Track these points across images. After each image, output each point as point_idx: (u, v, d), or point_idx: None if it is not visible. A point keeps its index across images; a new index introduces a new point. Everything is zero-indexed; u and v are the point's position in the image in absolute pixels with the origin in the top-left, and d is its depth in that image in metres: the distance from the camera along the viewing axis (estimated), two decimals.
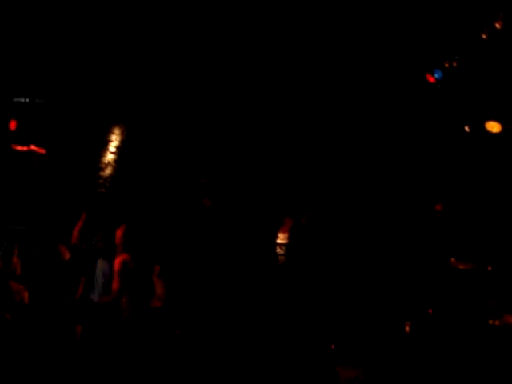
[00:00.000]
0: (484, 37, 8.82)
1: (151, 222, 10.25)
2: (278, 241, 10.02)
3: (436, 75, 9.32)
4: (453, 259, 8.46)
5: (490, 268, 8.20)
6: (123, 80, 10.51)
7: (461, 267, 8.34)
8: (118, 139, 10.80)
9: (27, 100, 10.48)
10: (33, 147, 10.33)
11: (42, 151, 10.37)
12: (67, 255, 8.59)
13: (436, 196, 10.04)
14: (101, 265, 8.25)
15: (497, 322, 7.70)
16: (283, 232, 10.03)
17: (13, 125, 10.28)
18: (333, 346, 7.51)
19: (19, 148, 10.36)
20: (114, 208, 10.49)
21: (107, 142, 10.73)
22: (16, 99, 10.45)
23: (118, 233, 7.16)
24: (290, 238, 9.69)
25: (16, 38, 9.82)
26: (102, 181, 10.65)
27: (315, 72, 10.13)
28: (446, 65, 9.25)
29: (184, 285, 8.15)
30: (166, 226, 10.21)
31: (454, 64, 9.25)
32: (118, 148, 10.77)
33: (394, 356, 7.40)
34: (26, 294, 8.04)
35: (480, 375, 6.83)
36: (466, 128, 9.66)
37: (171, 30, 10.28)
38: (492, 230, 9.29)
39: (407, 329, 7.86)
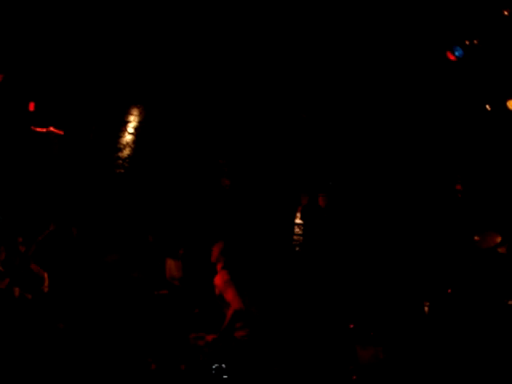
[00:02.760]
0: (506, 13, 8.68)
1: (170, 203, 10.31)
2: (297, 221, 10.03)
3: (457, 53, 9.20)
4: (476, 237, 8.39)
5: (504, 249, 8.12)
6: (141, 60, 10.51)
7: (485, 245, 8.26)
8: (136, 120, 10.80)
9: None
10: (52, 129, 10.39)
11: (61, 133, 10.43)
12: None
13: (456, 175, 9.97)
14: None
15: None
16: (301, 212, 10.03)
17: (32, 106, 10.34)
18: (352, 326, 7.53)
19: (38, 130, 10.43)
20: (133, 189, 10.60)
21: (125, 122, 10.73)
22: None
23: (215, 250, 7.03)
24: (303, 217, 9.68)
25: (32, 18, 9.86)
26: (120, 161, 10.68)
27: (331, 44, 10.06)
28: (467, 42, 9.14)
29: (202, 265, 8.17)
30: (184, 205, 10.26)
31: (475, 41, 9.13)
32: (136, 129, 10.78)
33: (412, 336, 7.40)
34: (46, 275, 8.16)
35: (498, 355, 6.80)
36: (487, 107, 9.55)
37: (189, 11, 10.26)
38: None
39: (426, 309, 7.85)
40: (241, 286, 6.56)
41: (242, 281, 6.72)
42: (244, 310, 6.29)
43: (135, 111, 10.87)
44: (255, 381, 6.16)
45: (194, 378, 6.26)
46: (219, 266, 6.67)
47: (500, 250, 7.95)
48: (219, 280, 6.56)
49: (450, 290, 8.01)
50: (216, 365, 6.14)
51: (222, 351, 6.18)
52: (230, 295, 6.37)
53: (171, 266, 9.33)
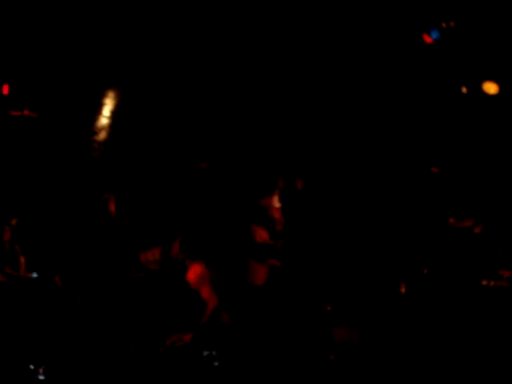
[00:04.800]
0: None
1: (146, 186, 10.26)
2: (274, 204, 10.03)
3: (433, 35, 9.23)
4: (451, 219, 8.48)
5: (479, 229, 8.23)
6: (118, 42, 10.41)
7: (459, 226, 8.36)
8: (113, 103, 10.72)
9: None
10: (26, 112, 10.27)
11: (35, 116, 10.31)
12: None
13: (433, 158, 10.03)
14: None
15: (491, 283, 7.75)
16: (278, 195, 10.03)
17: (5, 89, 10.21)
18: (329, 308, 7.56)
19: (13, 113, 10.30)
20: (109, 172, 10.52)
21: (101, 105, 10.66)
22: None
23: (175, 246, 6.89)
24: (280, 201, 9.69)
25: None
26: (96, 145, 10.60)
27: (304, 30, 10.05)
28: (444, 25, 9.16)
29: (179, 247, 8.15)
30: (161, 189, 10.22)
31: (451, 24, 9.16)
32: (112, 112, 10.69)
33: (389, 317, 7.45)
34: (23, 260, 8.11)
35: (474, 336, 6.88)
36: (463, 89, 9.60)
37: None
38: (487, 190, 9.30)
39: (403, 290, 7.91)
40: (218, 274, 6.46)
41: (217, 268, 6.66)
42: (221, 306, 6.18)
43: (111, 94, 10.78)
44: (241, 367, 6.16)
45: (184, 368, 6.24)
46: (187, 262, 6.49)
47: (475, 230, 8.05)
48: (192, 276, 6.37)
49: (426, 271, 8.10)
50: (207, 352, 6.10)
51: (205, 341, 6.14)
52: (206, 292, 6.22)
53: (146, 252, 9.32)
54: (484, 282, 7.67)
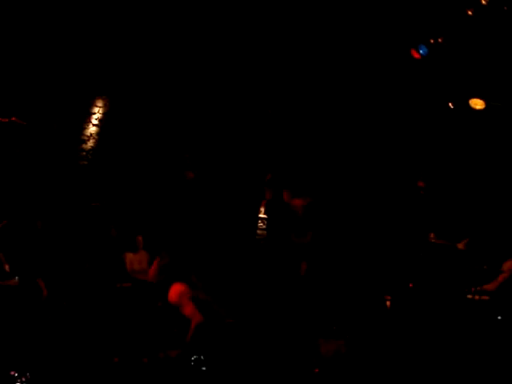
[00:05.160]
0: (470, 13, 8.81)
1: (134, 195, 10.25)
2: (261, 215, 10.04)
3: (421, 51, 9.31)
4: (432, 234, 8.53)
5: (462, 245, 8.29)
6: (106, 52, 10.41)
7: (439, 242, 8.42)
8: (101, 111, 10.70)
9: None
10: (14, 119, 10.23)
11: (24, 123, 10.28)
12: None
13: (418, 173, 10.09)
14: None
15: (476, 297, 7.81)
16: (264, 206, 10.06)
17: None
18: (314, 320, 7.58)
19: (1, 120, 10.26)
20: (97, 180, 10.50)
21: (90, 114, 10.63)
22: None
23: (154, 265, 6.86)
24: (266, 212, 9.72)
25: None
26: (84, 153, 10.57)
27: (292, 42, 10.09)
28: (432, 41, 9.25)
29: (167, 256, 8.15)
30: (148, 198, 10.21)
31: (440, 40, 9.25)
32: (100, 120, 10.67)
33: (374, 329, 7.49)
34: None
35: (459, 347, 6.93)
36: (450, 105, 9.69)
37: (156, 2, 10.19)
38: (474, 205, 9.37)
39: (388, 303, 7.95)
40: (196, 288, 6.44)
41: (204, 277, 6.67)
42: (205, 322, 6.16)
43: (100, 102, 10.77)
44: (229, 372, 6.16)
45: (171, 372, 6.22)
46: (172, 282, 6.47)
47: (459, 246, 8.11)
48: (173, 294, 6.35)
49: (411, 285, 8.14)
50: (195, 356, 6.09)
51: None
52: (189, 310, 6.20)
53: (131, 258, 9.30)
54: (468, 296, 7.74)
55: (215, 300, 6.76)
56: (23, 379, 5.98)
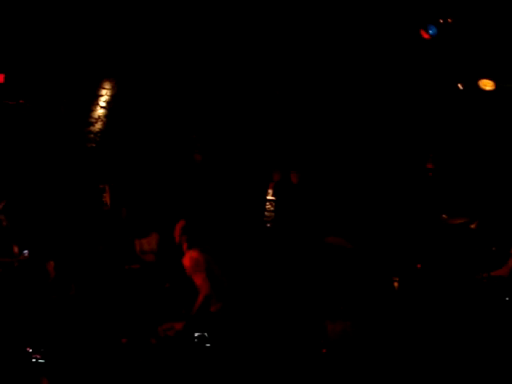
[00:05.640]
0: None
1: (142, 177, 10.26)
2: (268, 197, 10.05)
3: (430, 31, 9.23)
4: (444, 215, 8.50)
5: (474, 226, 8.27)
6: (114, 33, 10.37)
7: (452, 223, 8.39)
8: (109, 94, 10.67)
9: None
10: (22, 102, 10.23)
11: (31, 105, 10.27)
12: None
13: (428, 154, 10.05)
14: None
15: (484, 279, 7.78)
16: (273, 188, 10.06)
17: (1, 78, 10.17)
18: (322, 301, 7.59)
19: (8, 102, 10.26)
20: (105, 163, 10.51)
21: (97, 96, 10.60)
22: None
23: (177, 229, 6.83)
24: (274, 194, 9.72)
25: None
26: (92, 135, 10.57)
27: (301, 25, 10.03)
28: (441, 21, 9.16)
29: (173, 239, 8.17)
30: (156, 180, 10.21)
31: (449, 20, 9.16)
32: (108, 103, 10.65)
33: (382, 311, 7.49)
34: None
35: (467, 329, 6.92)
36: (460, 85, 9.61)
37: None
38: (483, 187, 9.33)
39: (396, 284, 7.94)
40: (212, 262, 6.50)
41: (213, 257, 6.69)
42: (213, 294, 6.19)
43: (107, 85, 10.74)
44: (235, 352, 6.18)
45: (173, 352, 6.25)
46: (185, 247, 6.54)
47: (470, 226, 8.09)
48: (187, 261, 6.43)
49: (419, 266, 8.13)
50: (198, 333, 6.12)
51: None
52: (199, 279, 6.24)
53: (141, 240, 9.32)
54: (477, 277, 7.72)
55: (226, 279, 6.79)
56: (38, 356, 6.06)
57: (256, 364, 6.56)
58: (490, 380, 6.35)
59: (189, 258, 6.41)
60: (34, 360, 5.95)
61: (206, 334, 6.02)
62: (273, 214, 9.88)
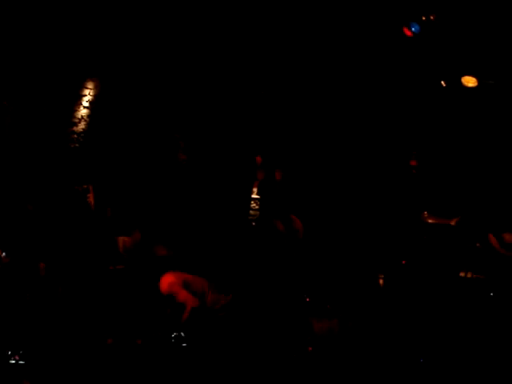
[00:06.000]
0: None
1: (126, 177, 10.21)
2: (253, 195, 10.04)
3: (413, 29, 9.26)
4: (425, 213, 8.55)
5: (454, 222, 8.32)
6: (98, 32, 10.32)
7: (431, 221, 8.45)
8: (92, 93, 10.63)
9: None
10: (5, 103, 10.16)
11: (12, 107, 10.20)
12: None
13: (411, 151, 10.08)
14: None
15: (468, 275, 7.83)
16: (257, 186, 10.06)
17: None
18: (308, 299, 7.60)
19: None
20: (89, 163, 10.45)
21: (80, 96, 10.56)
22: None
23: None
24: (259, 193, 9.72)
25: None
26: (75, 136, 10.51)
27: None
28: (423, 18, 9.20)
29: (160, 237, 8.15)
30: (140, 181, 10.18)
31: (432, 17, 9.20)
32: (91, 102, 10.60)
33: (367, 308, 7.50)
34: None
35: (451, 325, 6.95)
36: (442, 82, 9.65)
37: None
38: (466, 184, 9.38)
39: (381, 281, 7.97)
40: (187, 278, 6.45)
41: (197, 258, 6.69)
42: (199, 304, 6.20)
43: (91, 84, 10.69)
44: (213, 349, 6.18)
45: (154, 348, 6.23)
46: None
47: (451, 223, 8.14)
48: (165, 285, 6.39)
49: (403, 262, 8.16)
50: (175, 333, 6.12)
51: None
52: (182, 297, 6.25)
53: (124, 239, 9.28)
54: (461, 274, 7.76)
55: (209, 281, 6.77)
56: (16, 357, 6.02)
57: (242, 361, 6.56)
58: (475, 377, 6.40)
59: (165, 283, 6.38)
60: (13, 361, 5.92)
61: (182, 333, 6.04)
62: (258, 212, 9.89)
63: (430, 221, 8.45)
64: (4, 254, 7.83)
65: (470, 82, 9.36)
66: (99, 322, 7.08)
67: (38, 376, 5.94)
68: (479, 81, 9.31)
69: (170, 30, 10.52)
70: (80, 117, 10.77)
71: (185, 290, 6.28)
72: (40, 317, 6.96)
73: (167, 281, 6.37)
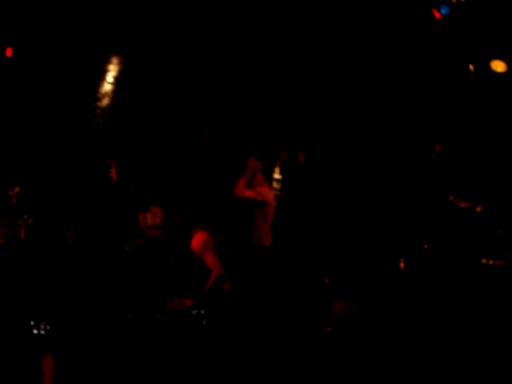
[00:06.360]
0: None
1: (149, 153, 10.23)
2: (275, 176, 10.01)
3: (443, 11, 9.12)
4: (451, 197, 8.47)
5: (480, 208, 8.24)
6: (121, 8, 10.29)
7: (459, 205, 8.37)
8: (116, 69, 10.63)
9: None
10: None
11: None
12: None
13: (436, 136, 9.98)
14: None
15: (490, 262, 7.75)
16: (280, 167, 10.02)
17: (9, 52, 10.11)
18: (327, 281, 7.57)
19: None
20: (112, 138, 10.47)
21: (105, 71, 10.56)
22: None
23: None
24: (282, 173, 9.68)
25: None
26: (99, 111, 10.53)
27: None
28: (453, 0, 9.05)
29: (180, 214, 8.15)
30: (163, 157, 10.18)
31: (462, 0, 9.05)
32: (115, 78, 10.60)
33: (387, 291, 7.47)
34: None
35: (472, 311, 6.89)
36: (471, 67, 9.51)
37: None
38: (491, 169, 9.27)
39: (402, 265, 7.92)
40: (219, 242, 6.48)
41: (219, 234, 6.68)
42: (225, 273, 6.19)
43: (115, 60, 10.69)
44: (233, 329, 6.18)
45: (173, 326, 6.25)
46: (191, 229, 6.52)
47: (477, 209, 8.05)
48: (196, 243, 6.40)
49: (426, 246, 8.10)
50: (195, 311, 6.12)
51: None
52: (210, 260, 6.23)
53: (144, 214, 9.30)
54: (484, 261, 7.68)
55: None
56: (41, 328, 6.06)
57: (261, 342, 6.56)
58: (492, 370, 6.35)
59: (196, 241, 6.38)
60: (36, 332, 5.96)
61: (202, 311, 6.02)
62: (279, 192, 9.85)
63: (456, 205, 8.38)
64: (26, 216, 7.90)
65: (499, 66, 9.21)
66: (119, 297, 7.13)
67: (60, 348, 5.99)
68: (508, 65, 9.16)
69: (197, 9, 10.49)
70: (104, 92, 10.78)
71: (214, 254, 6.28)
72: (62, 288, 7.02)
73: (200, 239, 6.36)
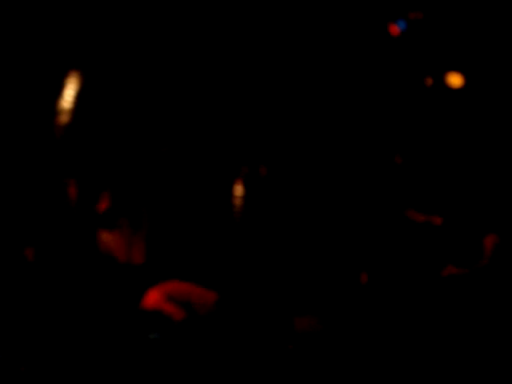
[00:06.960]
0: None
1: (108, 171, 10.16)
2: (236, 193, 9.99)
3: (400, 26, 9.25)
4: (410, 211, 8.56)
5: (438, 221, 8.36)
6: (82, 22, 10.24)
7: (417, 219, 8.48)
8: (75, 85, 10.56)
9: None
10: None
11: None
12: None
13: (395, 149, 10.10)
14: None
15: (452, 271, 7.86)
16: (240, 184, 10.01)
17: None
18: (289, 296, 7.59)
19: None
20: (71, 156, 10.37)
21: (63, 87, 10.49)
22: None
23: None
24: (243, 190, 9.67)
25: None
26: (58, 128, 10.43)
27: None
28: (411, 16, 9.21)
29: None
30: (121, 176, 10.12)
31: (419, 15, 9.21)
32: (75, 94, 10.53)
33: (350, 306, 7.50)
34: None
35: (432, 323, 6.96)
36: (427, 80, 9.67)
37: None
38: (451, 183, 9.41)
39: (363, 278, 7.97)
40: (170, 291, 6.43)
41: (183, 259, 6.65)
42: (189, 315, 6.17)
43: (74, 75, 10.64)
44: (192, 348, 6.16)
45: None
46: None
47: (436, 221, 8.15)
48: (149, 305, 6.35)
49: (387, 259, 8.17)
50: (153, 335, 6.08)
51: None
52: (169, 310, 6.20)
53: (107, 237, 9.19)
54: (444, 273, 7.78)
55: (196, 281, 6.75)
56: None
57: (220, 357, 6.53)
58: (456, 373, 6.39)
59: (148, 302, 6.36)
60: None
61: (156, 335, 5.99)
62: (240, 210, 9.85)
63: (415, 218, 8.47)
64: None
65: (456, 80, 9.40)
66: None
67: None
68: (466, 80, 9.36)
69: (157, 19, 10.47)
70: (63, 108, 10.70)
71: (170, 303, 6.23)
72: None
73: (151, 299, 6.33)
